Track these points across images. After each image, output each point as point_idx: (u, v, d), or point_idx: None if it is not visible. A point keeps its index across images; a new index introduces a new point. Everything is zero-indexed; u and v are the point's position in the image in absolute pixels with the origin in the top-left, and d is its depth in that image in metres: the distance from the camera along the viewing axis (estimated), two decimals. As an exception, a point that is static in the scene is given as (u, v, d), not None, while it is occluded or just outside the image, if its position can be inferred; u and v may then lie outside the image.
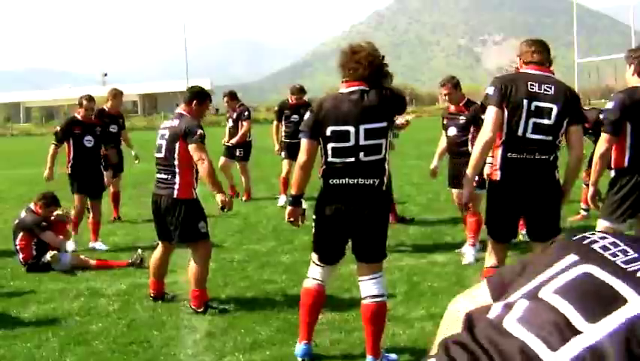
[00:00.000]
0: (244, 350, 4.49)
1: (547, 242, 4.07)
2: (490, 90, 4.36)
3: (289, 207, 4.22)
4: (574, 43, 32.65)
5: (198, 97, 5.45)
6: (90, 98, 8.08)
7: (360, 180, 3.90)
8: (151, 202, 5.47)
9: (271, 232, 8.25)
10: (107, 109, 9.27)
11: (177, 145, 5.21)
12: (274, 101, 20.11)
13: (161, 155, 5.32)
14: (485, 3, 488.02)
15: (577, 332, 1.38)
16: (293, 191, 4.21)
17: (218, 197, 5.32)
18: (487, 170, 5.14)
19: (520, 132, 4.28)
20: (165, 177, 5.29)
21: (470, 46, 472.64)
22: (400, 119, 7.73)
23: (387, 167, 4.00)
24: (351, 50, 3.99)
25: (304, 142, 4.03)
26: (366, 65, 3.90)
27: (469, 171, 4.51)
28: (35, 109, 69.92)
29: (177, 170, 5.23)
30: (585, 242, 1.58)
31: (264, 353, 4.42)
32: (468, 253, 6.72)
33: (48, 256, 6.84)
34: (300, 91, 10.64)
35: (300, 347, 4.21)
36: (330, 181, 3.96)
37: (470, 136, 6.78)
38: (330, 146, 3.92)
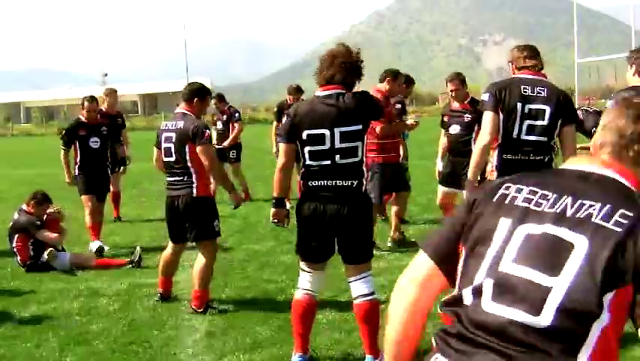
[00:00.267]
0: (244, 349, 4.50)
1: None
2: (486, 96, 4.56)
3: (273, 209, 4.31)
4: (574, 43, 32.65)
5: (199, 94, 5.42)
6: (92, 99, 8.08)
7: (337, 182, 3.96)
8: (166, 205, 5.42)
9: (270, 232, 8.25)
10: (104, 109, 9.28)
11: (187, 147, 5.21)
12: (274, 102, 20.10)
13: (172, 158, 5.29)
14: (486, 3, 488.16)
15: (548, 290, 1.49)
16: (274, 193, 4.29)
17: (231, 196, 5.49)
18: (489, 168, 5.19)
19: (515, 134, 4.46)
20: (180, 178, 5.28)
21: (470, 46, 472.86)
22: (409, 120, 7.76)
23: (364, 169, 4.06)
24: (326, 56, 4.05)
25: (281, 146, 4.14)
26: (340, 69, 3.96)
27: (470, 173, 4.67)
28: (35, 109, 69.91)
29: (192, 170, 5.24)
30: (507, 201, 1.68)
31: (263, 353, 4.42)
32: None
33: (45, 254, 6.84)
34: (297, 91, 10.62)
35: (295, 359, 4.20)
36: (309, 183, 4.03)
37: (474, 135, 6.70)
38: (306, 149, 3.98)
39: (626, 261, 1.46)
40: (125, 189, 11.19)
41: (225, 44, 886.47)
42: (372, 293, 4.07)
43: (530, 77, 4.50)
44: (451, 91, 7.18)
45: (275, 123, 10.84)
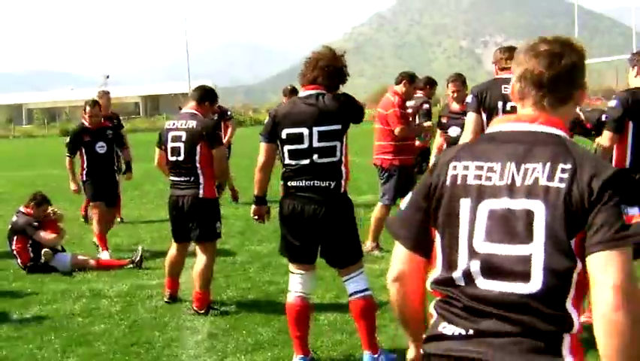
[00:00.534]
0: (246, 351, 4.50)
1: None
2: (469, 98, 4.90)
3: (254, 206, 4.43)
4: (575, 45, 32.61)
5: (210, 97, 5.52)
6: (94, 104, 7.80)
7: (315, 182, 3.99)
8: (170, 203, 5.45)
9: (272, 234, 8.23)
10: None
11: (198, 147, 5.23)
12: (275, 103, 20.11)
13: (181, 158, 5.29)
14: (487, 5, 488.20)
15: (528, 259, 1.64)
16: (255, 192, 4.38)
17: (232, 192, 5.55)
18: None
19: None
20: (187, 178, 5.30)
21: (472, 47, 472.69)
22: (426, 122, 7.81)
23: (344, 169, 4.06)
24: (310, 58, 4.10)
25: (262, 145, 4.20)
26: (323, 72, 4.01)
27: None
28: (37, 111, 69.90)
29: (200, 171, 5.27)
30: (459, 182, 1.78)
31: (265, 354, 4.43)
32: None
33: (42, 253, 6.83)
34: (292, 92, 10.58)
35: None
36: (289, 183, 4.08)
37: None
38: (286, 148, 4.04)
39: (576, 210, 1.62)
40: (126, 190, 11.20)
41: (227, 47, 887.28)
42: (365, 289, 4.09)
43: (511, 76, 4.55)
44: (452, 92, 7.19)
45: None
